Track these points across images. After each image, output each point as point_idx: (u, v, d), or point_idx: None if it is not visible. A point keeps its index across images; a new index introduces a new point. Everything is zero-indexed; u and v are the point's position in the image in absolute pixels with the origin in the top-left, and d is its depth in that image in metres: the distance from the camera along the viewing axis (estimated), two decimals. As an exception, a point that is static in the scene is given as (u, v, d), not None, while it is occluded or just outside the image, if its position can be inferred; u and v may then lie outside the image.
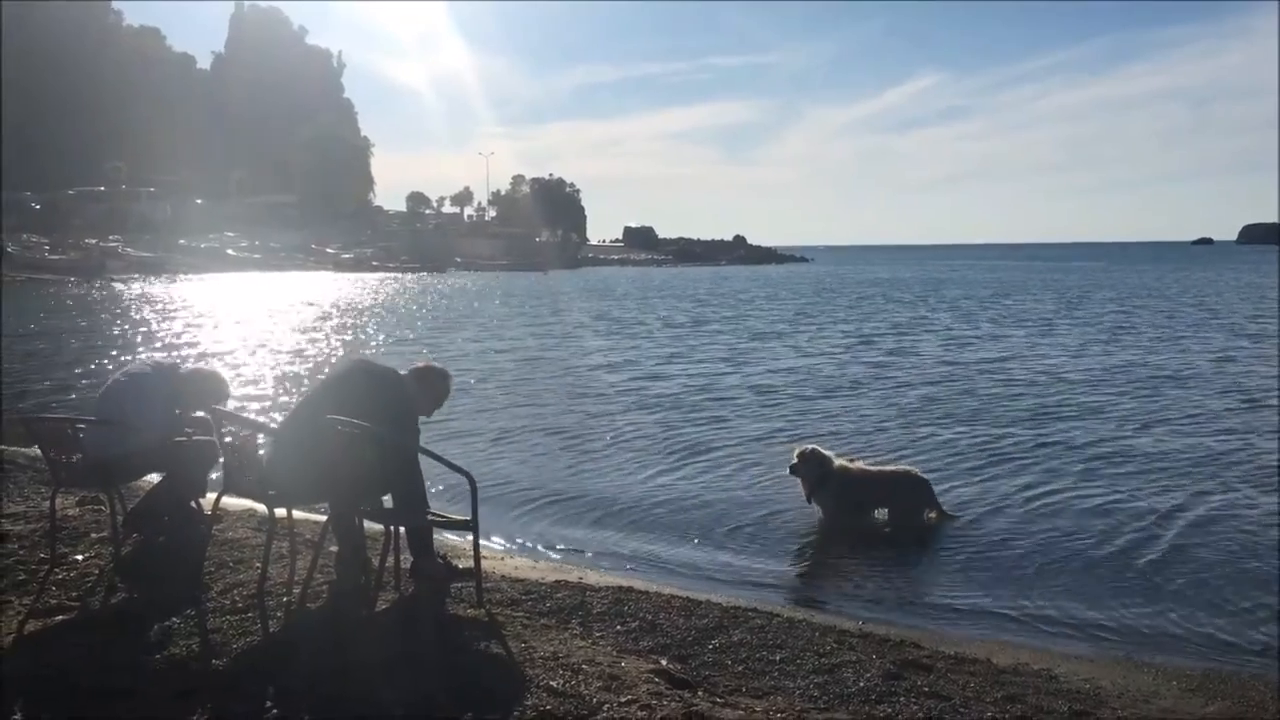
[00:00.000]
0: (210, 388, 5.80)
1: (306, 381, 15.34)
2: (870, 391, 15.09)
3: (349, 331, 26.88)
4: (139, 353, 19.65)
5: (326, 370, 5.27)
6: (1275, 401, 13.47)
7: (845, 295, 46.40)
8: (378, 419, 4.74)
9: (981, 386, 15.49)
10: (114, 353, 19.84)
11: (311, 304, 37.06)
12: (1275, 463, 9.64)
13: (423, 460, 4.98)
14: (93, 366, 17.54)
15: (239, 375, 16.51)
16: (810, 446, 7.86)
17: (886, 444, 10.87)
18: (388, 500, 5.06)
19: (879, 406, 13.61)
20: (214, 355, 19.78)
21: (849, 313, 34.17)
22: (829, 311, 34.74)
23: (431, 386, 5.37)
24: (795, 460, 7.73)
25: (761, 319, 31.35)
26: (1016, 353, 20.49)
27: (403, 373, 5.32)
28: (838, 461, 7.77)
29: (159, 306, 34.60)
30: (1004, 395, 14.58)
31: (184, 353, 19.83)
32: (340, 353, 20.89)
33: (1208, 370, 17.12)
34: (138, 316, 30.19)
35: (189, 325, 27.25)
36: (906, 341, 23.25)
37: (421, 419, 5.28)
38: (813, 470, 7.65)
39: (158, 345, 21.60)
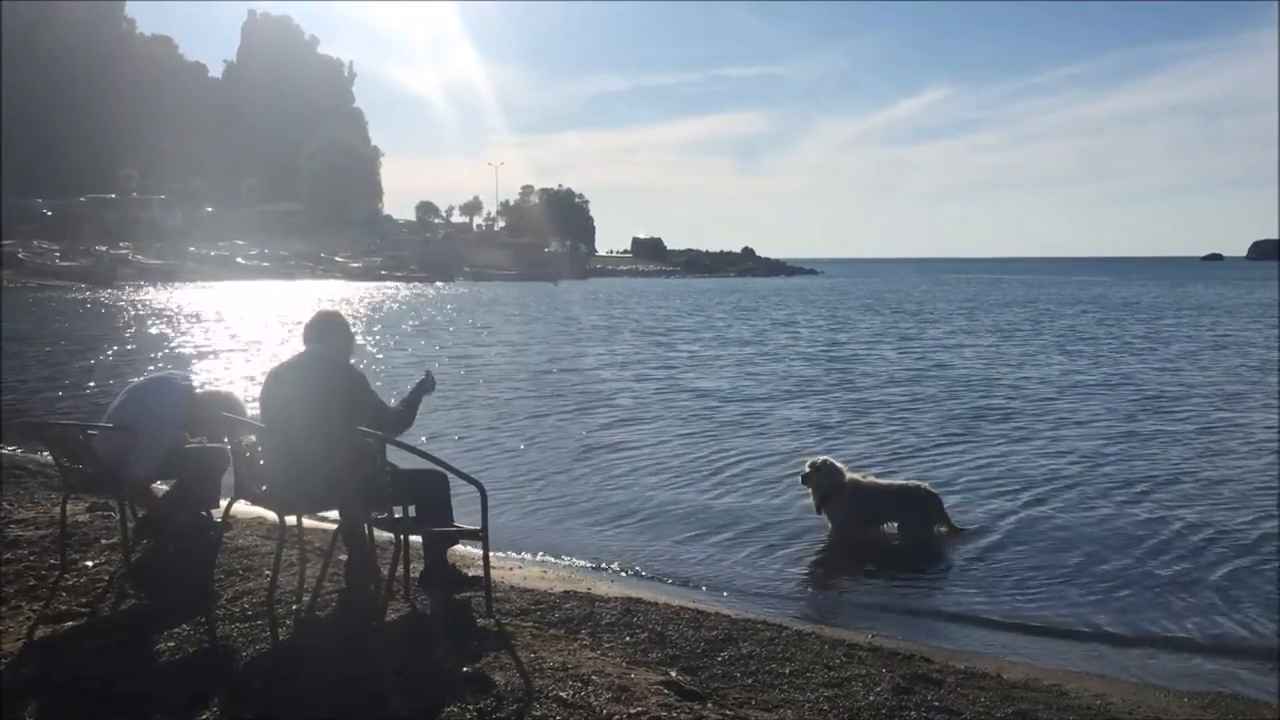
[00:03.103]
0: (225, 411, 5.76)
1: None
2: (826, 395, 15.70)
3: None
4: (148, 361, 19.71)
5: (264, 382, 5.16)
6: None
7: (831, 305, 47.07)
8: (335, 404, 4.76)
9: (942, 392, 15.97)
10: (114, 358, 19.89)
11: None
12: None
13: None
14: (79, 364, 17.59)
15: (231, 374, 16.54)
16: (823, 457, 7.84)
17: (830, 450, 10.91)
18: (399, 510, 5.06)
19: (822, 412, 14.02)
20: (210, 354, 19.97)
21: (828, 321, 35.28)
22: (805, 320, 35.70)
23: (333, 334, 5.15)
24: (808, 470, 7.70)
25: (748, 327, 32.13)
26: (980, 360, 21.13)
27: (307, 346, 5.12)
28: (849, 474, 7.74)
29: (165, 313, 34.69)
30: (975, 400, 14.99)
31: (192, 362, 19.90)
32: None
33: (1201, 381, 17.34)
34: (143, 321, 30.27)
35: (191, 331, 27.32)
36: (872, 349, 23.85)
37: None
38: (824, 481, 7.62)
39: (161, 351, 21.64)
